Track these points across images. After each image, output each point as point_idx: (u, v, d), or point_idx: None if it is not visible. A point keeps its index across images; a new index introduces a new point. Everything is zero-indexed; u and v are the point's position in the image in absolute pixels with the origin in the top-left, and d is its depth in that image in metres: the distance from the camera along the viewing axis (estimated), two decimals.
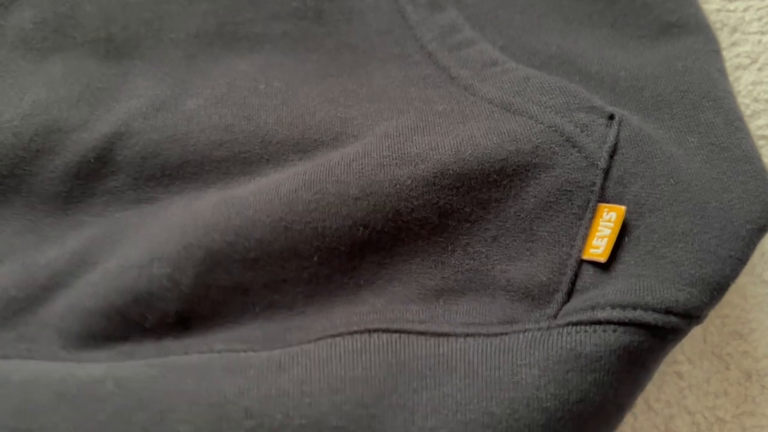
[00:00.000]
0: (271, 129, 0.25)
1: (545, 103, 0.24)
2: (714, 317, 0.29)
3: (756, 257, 0.29)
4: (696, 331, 0.29)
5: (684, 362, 0.28)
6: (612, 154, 0.22)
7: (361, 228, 0.22)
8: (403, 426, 0.18)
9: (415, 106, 0.26)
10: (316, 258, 0.22)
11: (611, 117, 0.23)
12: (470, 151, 0.22)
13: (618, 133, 0.23)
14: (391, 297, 0.21)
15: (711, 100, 0.24)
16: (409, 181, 0.22)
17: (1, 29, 0.28)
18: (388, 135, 0.24)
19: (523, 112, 0.24)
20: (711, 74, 0.25)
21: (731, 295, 0.29)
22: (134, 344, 0.21)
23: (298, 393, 0.18)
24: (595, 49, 0.27)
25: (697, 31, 0.27)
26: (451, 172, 0.22)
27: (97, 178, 0.25)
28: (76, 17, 0.28)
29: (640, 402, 0.28)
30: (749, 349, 0.28)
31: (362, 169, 0.22)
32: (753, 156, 0.22)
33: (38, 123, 0.25)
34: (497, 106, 0.25)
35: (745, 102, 0.31)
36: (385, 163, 0.22)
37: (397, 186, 0.22)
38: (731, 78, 0.32)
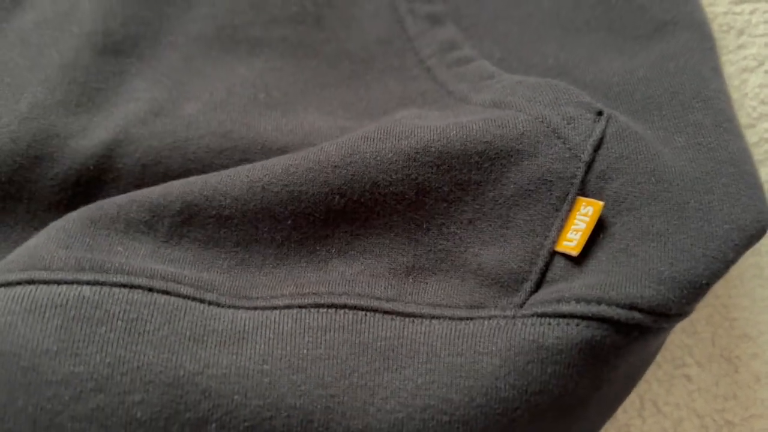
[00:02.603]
0: (270, 135, 0.26)
1: (534, 98, 0.24)
2: (723, 320, 0.29)
3: (764, 260, 0.29)
4: (705, 334, 0.29)
5: (693, 365, 0.28)
6: (597, 147, 0.22)
7: (338, 196, 0.22)
8: (362, 407, 0.18)
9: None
10: (290, 222, 0.22)
11: (600, 113, 0.23)
12: (455, 132, 0.22)
13: (605, 128, 0.23)
14: (361, 268, 0.22)
15: (701, 100, 0.24)
16: (391, 154, 0.22)
17: (2, 31, 0.28)
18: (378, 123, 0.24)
19: (512, 106, 0.24)
20: (703, 73, 0.25)
21: (740, 298, 0.29)
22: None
23: (258, 372, 0.18)
24: (591, 56, 0.27)
25: (691, 29, 0.26)
26: (434, 149, 0.22)
27: (98, 185, 0.25)
28: (75, 13, 0.28)
29: (648, 404, 0.28)
30: (758, 351, 0.28)
31: (345, 141, 0.22)
32: (740, 158, 0.22)
33: (36, 127, 0.25)
34: (488, 106, 0.25)
35: (752, 104, 0.31)
36: (369, 137, 0.22)
37: (378, 158, 0.22)
38: (737, 81, 0.32)
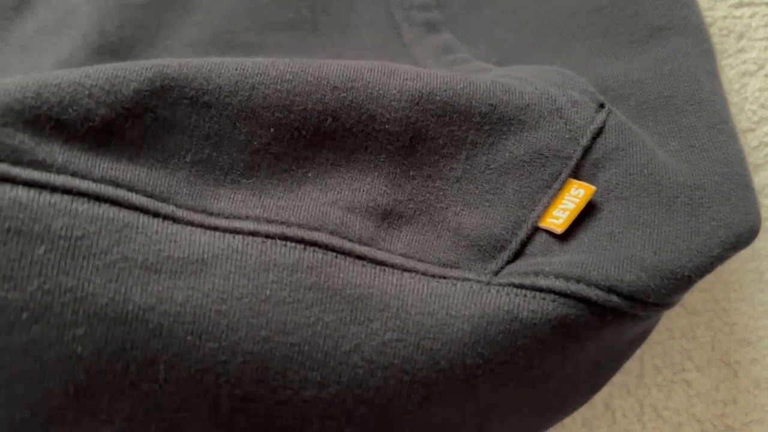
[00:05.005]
0: None
1: (542, 77, 0.24)
2: (722, 325, 0.29)
3: (764, 264, 0.29)
4: (704, 339, 0.29)
5: (692, 370, 0.28)
6: (596, 135, 0.22)
7: (330, 118, 0.20)
8: (323, 359, 0.18)
9: None
10: (272, 130, 0.20)
11: (602, 105, 0.23)
12: (462, 86, 0.22)
13: (606, 119, 0.23)
14: (336, 198, 0.20)
15: (695, 103, 0.24)
16: (395, 91, 0.21)
17: (4, 39, 0.28)
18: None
19: (519, 79, 0.24)
20: (697, 76, 0.25)
21: (739, 303, 0.29)
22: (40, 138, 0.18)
23: (216, 313, 0.17)
24: (586, 61, 0.27)
25: (687, 33, 0.26)
26: (438, 98, 0.21)
27: None
28: (73, 18, 0.28)
29: (648, 409, 0.28)
30: (758, 356, 0.28)
31: (349, 65, 0.21)
32: (733, 159, 0.23)
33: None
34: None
35: (752, 108, 0.31)
36: (375, 69, 0.21)
37: (381, 91, 0.21)
38: (738, 85, 0.32)
